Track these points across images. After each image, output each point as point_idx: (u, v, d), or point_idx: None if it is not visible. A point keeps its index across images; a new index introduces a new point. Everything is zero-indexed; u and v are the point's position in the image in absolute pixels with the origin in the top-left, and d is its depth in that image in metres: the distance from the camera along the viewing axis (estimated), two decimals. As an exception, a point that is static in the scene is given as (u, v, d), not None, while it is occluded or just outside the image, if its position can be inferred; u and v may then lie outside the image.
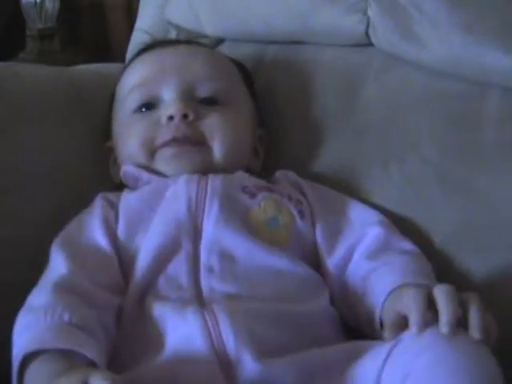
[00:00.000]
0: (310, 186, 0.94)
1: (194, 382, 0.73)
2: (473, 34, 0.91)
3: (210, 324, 0.75)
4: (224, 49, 1.13)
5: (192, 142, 0.91)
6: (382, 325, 0.78)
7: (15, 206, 0.92)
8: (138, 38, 1.20)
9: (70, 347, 0.71)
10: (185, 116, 0.92)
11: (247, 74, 1.04)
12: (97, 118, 1.03)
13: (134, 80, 0.97)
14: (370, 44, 1.01)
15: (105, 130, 1.01)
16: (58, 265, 0.82)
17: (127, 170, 0.95)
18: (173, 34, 1.18)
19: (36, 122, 0.98)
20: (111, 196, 0.91)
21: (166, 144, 0.91)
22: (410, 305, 0.72)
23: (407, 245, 0.86)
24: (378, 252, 0.85)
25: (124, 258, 0.84)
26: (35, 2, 1.81)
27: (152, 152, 0.92)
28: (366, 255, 0.85)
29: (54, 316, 0.74)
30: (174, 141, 0.91)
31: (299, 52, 1.08)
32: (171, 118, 0.92)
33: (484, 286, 0.85)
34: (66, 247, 0.84)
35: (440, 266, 0.86)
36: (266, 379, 0.72)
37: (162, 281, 0.82)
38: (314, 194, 0.92)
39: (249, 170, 0.95)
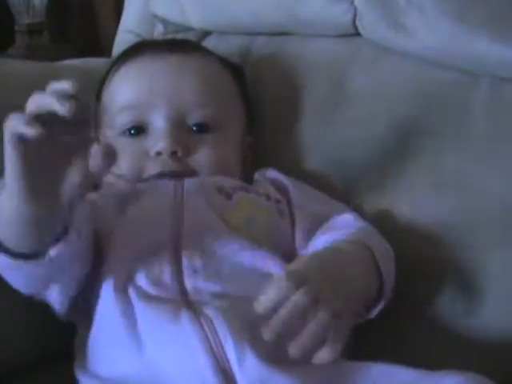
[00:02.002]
0: (290, 182, 0.93)
1: None
2: (461, 22, 0.89)
3: (207, 330, 0.73)
4: (211, 41, 1.11)
5: (179, 176, 0.90)
6: None
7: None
8: (123, 39, 1.18)
9: None
10: (174, 153, 0.90)
11: (239, 75, 1.02)
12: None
13: (123, 100, 0.95)
14: (358, 34, 1.00)
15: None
16: None
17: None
18: (159, 29, 1.17)
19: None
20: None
21: (152, 177, 0.90)
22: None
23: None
24: (333, 228, 0.84)
25: (106, 245, 0.83)
26: (23, -3, 1.80)
27: (138, 180, 0.91)
28: (321, 231, 0.85)
29: None
30: (162, 176, 0.90)
31: (286, 43, 1.06)
32: (159, 153, 0.91)
33: (473, 281, 0.84)
34: None
35: (429, 259, 0.85)
36: (270, 381, 0.71)
37: (141, 277, 0.80)
38: (295, 192, 0.91)
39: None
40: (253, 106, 1.02)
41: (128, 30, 1.17)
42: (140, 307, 0.77)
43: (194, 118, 0.93)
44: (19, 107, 0.94)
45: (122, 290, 0.79)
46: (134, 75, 0.96)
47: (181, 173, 0.90)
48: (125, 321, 0.77)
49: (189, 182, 0.87)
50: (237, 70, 1.02)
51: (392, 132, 0.94)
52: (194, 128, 0.93)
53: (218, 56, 1.02)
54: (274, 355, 0.72)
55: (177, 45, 1.02)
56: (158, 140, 0.91)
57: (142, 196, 0.87)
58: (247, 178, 0.95)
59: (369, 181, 0.94)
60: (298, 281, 0.69)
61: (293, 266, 0.74)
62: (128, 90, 0.96)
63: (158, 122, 0.92)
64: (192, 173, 0.91)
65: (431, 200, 0.89)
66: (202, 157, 0.92)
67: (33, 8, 1.84)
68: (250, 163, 0.99)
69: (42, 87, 0.99)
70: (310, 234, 0.87)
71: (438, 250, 0.87)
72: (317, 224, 0.87)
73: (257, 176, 0.95)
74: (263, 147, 1.00)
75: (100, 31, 1.95)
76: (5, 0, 1.82)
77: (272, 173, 0.94)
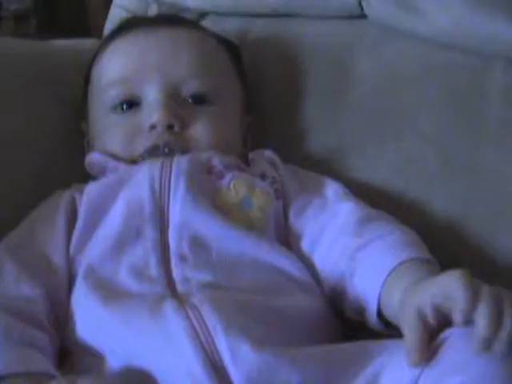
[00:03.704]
0: (285, 166, 0.88)
1: None
2: (476, 1, 0.85)
3: (193, 319, 0.67)
4: (207, 23, 1.06)
5: (176, 151, 0.84)
6: (379, 314, 0.71)
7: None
8: (115, 15, 1.12)
9: (38, 370, 0.67)
10: (169, 126, 0.85)
11: (236, 53, 0.97)
12: (69, 92, 0.96)
13: (114, 74, 0.89)
14: (363, 15, 0.95)
15: (78, 110, 0.95)
16: (7, 280, 0.75)
17: (92, 158, 0.88)
18: (153, 9, 1.11)
19: (4, 96, 0.92)
20: (74, 190, 0.84)
21: (147, 153, 0.84)
22: (453, 294, 0.60)
23: (384, 215, 0.80)
24: (359, 227, 0.77)
25: (78, 258, 0.77)
26: (9, -18, 1.75)
27: (132, 160, 0.85)
28: (347, 231, 0.77)
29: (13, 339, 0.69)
30: (156, 150, 0.84)
31: (287, 26, 1.01)
32: (153, 126, 0.85)
33: (491, 268, 0.80)
34: (17, 256, 0.77)
35: (443, 249, 0.79)
36: (268, 373, 0.64)
37: (123, 272, 0.74)
38: (286, 173, 0.86)
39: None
40: (251, 89, 0.97)
41: (121, 5, 1.11)
42: (117, 307, 0.71)
43: (190, 89, 0.88)
44: (6, 81, 0.93)
45: (96, 289, 0.73)
46: (124, 50, 0.91)
47: (178, 147, 0.84)
48: (100, 324, 0.71)
49: (178, 160, 0.81)
50: (232, 47, 0.97)
51: (400, 117, 0.90)
52: (190, 100, 0.88)
53: (212, 32, 0.97)
54: (269, 344, 0.66)
55: (169, 19, 0.97)
56: (152, 113, 0.85)
57: (124, 181, 0.81)
58: (247, 161, 0.89)
59: (375, 168, 0.89)
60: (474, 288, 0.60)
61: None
62: (118, 65, 0.90)
63: (152, 95, 0.87)
64: (189, 149, 0.85)
65: (444, 188, 0.85)
66: (200, 130, 0.86)
67: (20, -6, 1.79)
68: (251, 145, 0.93)
69: (27, 66, 0.97)
70: (303, 215, 0.81)
71: (454, 237, 0.83)
72: (310, 205, 0.82)
73: (252, 155, 0.89)
74: (263, 131, 0.95)
75: (89, 20, 1.91)
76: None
77: (270, 154, 0.89)
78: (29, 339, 0.70)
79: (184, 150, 0.84)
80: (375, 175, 0.88)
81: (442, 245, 0.79)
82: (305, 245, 0.80)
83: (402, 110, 0.90)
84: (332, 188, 0.84)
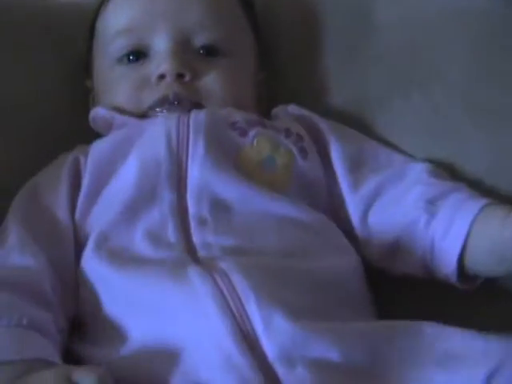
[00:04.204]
0: (320, 118, 0.83)
1: (205, 364, 0.60)
2: None
3: (222, 287, 0.62)
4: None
5: (186, 103, 0.79)
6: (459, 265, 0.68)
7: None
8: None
9: (34, 356, 0.62)
10: (180, 76, 0.80)
11: (249, 5, 0.91)
12: (73, 50, 0.91)
13: (120, 23, 0.84)
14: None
15: (83, 66, 0.90)
16: (11, 251, 0.71)
17: (98, 113, 0.83)
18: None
19: (6, 54, 0.87)
20: (79, 152, 0.79)
21: (155, 105, 0.79)
22: None
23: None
24: (434, 179, 0.74)
25: (86, 223, 0.73)
26: None
27: (140, 114, 0.80)
28: (421, 183, 0.74)
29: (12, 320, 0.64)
30: (165, 101, 0.79)
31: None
32: (162, 76, 0.80)
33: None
34: (22, 221, 0.73)
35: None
36: (305, 346, 0.59)
37: (138, 238, 0.69)
38: (327, 124, 0.81)
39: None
40: (267, 42, 0.92)
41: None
42: (135, 275, 0.66)
43: (201, 39, 0.83)
44: (8, 37, 0.88)
45: (110, 258, 0.68)
46: None
47: (189, 99, 0.80)
48: (119, 294, 0.66)
49: (196, 115, 0.77)
50: None
51: (425, 66, 0.85)
52: (202, 51, 0.83)
53: None
54: (305, 313, 0.61)
55: None
56: (161, 62, 0.80)
57: (134, 137, 0.76)
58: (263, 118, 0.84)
59: (403, 120, 0.84)
60: None
61: None
62: (124, 14, 0.85)
63: (161, 44, 0.82)
64: (200, 101, 0.80)
65: (473, 137, 0.80)
66: (212, 82, 0.81)
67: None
68: (265, 102, 0.88)
69: (33, 19, 0.92)
70: (355, 167, 0.77)
71: (487, 188, 0.77)
72: (360, 157, 0.78)
73: (276, 111, 0.84)
74: (280, 86, 0.91)
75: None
76: None
77: (295, 108, 0.84)
78: (29, 321, 0.64)
79: (194, 102, 0.80)
80: (402, 128, 0.84)
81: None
82: (358, 201, 0.76)
83: (425, 59, 0.85)
84: (379, 148, 0.81)
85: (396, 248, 0.73)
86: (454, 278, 0.70)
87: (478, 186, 0.76)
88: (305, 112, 0.83)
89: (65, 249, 0.72)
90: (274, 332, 0.59)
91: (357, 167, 0.77)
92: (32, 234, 0.72)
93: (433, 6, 0.86)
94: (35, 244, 0.71)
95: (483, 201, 0.69)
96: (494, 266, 0.68)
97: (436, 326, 0.62)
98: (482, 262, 0.69)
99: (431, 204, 0.71)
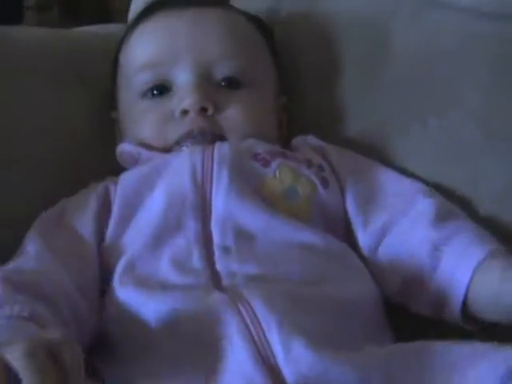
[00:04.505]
0: (335, 149, 0.84)
1: None
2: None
3: (245, 315, 0.63)
4: (234, 2, 1.02)
5: (209, 137, 0.81)
6: (463, 310, 0.69)
7: (10, 178, 0.83)
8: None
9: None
10: (203, 109, 0.81)
11: (267, 31, 0.93)
12: (98, 81, 0.93)
13: (143, 57, 0.86)
14: (398, -12, 0.91)
15: (108, 97, 0.92)
16: (28, 259, 0.72)
17: (124, 148, 0.85)
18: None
19: (29, 87, 0.89)
20: (109, 181, 0.81)
21: (180, 140, 0.81)
22: None
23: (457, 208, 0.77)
24: (440, 219, 0.75)
25: (115, 249, 0.75)
26: (31, -28, 1.73)
27: (166, 148, 0.82)
28: (427, 223, 0.74)
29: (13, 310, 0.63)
30: (189, 135, 0.81)
31: (319, 2, 0.97)
32: (186, 111, 0.82)
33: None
34: (42, 235, 0.75)
35: (489, 232, 0.76)
36: (323, 374, 0.60)
37: (164, 265, 0.71)
38: (339, 159, 0.82)
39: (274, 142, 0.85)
40: (285, 68, 0.93)
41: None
42: (162, 299, 0.68)
43: (223, 71, 0.84)
44: (35, 71, 0.91)
45: (137, 285, 0.70)
46: (153, 32, 0.88)
47: (212, 133, 0.81)
48: (146, 317, 0.68)
49: (220, 148, 0.78)
50: (263, 25, 0.93)
51: (442, 92, 0.85)
52: (223, 83, 0.84)
53: (239, 9, 0.93)
54: (325, 341, 0.62)
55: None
56: (184, 97, 0.82)
57: (161, 169, 0.78)
58: (284, 145, 0.86)
59: (419, 147, 0.85)
60: None
61: None
62: (146, 48, 0.87)
63: (183, 78, 0.83)
64: (223, 133, 0.82)
65: (490, 163, 0.80)
66: (235, 114, 0.83)
67: (41, -17, 1.77)
68: (286, 128, 0.90)
69: (53, 54, 0.95)
70: (365, 205, 0.78)
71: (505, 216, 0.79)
72: (371, 193, 0.79)
73: (296, 141, 0.86)
74: (298, 111, 0.92)
75: (111, 6, 1.89)
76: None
77: (313, 139, 0.86)
78: (30, 313, 0.63)
79: (218, 135, 0.81)
80: (419, 154, 0.85)
81: (487, 227, 0.76)
82: (367, 239, 0.77)
83: (442, 84, 0.85)
84: (390, 177, 0.81)
85: (405, 288, 0.74)
86: (459, 322, 0.71)
87: (492, 212, 0.77)
88: (321, 143, 0.85)
89: (86, 265, 0.73)
90: (294, 360, 0.61)
91: (366, 204, 0.78)
92: (50, 247, 0.73)
93: (451, 31, 0.87)
94: (51, 252, 0.72)
95: (486, 249, 0.70)
96: (496, 315, 0.69)
97: (444, 344, 0.63)
98: (485, 310, 0.70)
99: (436, 249, 0.72)
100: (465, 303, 0.70)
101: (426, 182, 0.82)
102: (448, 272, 0.71)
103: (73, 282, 0.71)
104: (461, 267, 0.70)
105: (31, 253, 0.73)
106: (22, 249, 0.74)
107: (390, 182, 0.81)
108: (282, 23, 0.98)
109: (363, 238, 0.77)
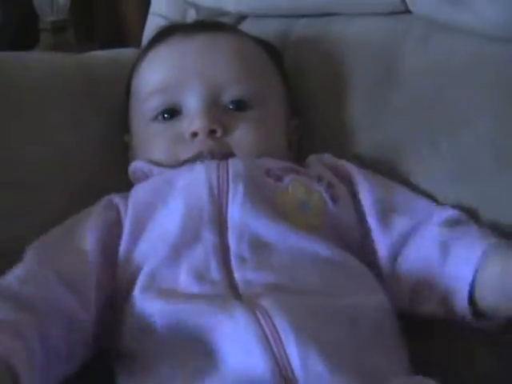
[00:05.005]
0: (354, 166, 0.85)
1: None
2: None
3: (264, 325, 0.65)
4: (246, 26, 1.04)
5: (219, 156, 0.83)
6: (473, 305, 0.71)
7: (26, 201, 0.85)
8: (153, 23, 1.12)
9: None
10: (212, 132, 0.83)
11: (276, 54, 0.95)
12: (111, 105, 0.95)
13: (153, 82, 0.89)
14: (407, 11, 0.92)
15: (121, 121, 0.94)
16: (23, 269, 0.73)
17: (136, 165, 0.87)
18: (191, 14, 1.10)
19: (46, 112, 0.91)
20: (119, 196, 0.82)
21: (191, 160, 0.83)
22: None
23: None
24: (454, 223, 0.77)
25: (130, 262, 0.76)
26: (46, -6, 1.75)
27: (176, 167, 0.84)
28: (440, 224, 0.77)
29: None
30: (200, 156, 0.83)
31: (328, 25, 0.99)
32: (195, 134, 0.84)
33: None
34: (42, 249, 0.76)
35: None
36: None
37: (183, 276, 0.73)
38: (359, 172, 0.84)
39: None
40: (295, 90, 0.95)
41: (159, 14, 1.11)
42: (185, 308, 0.70)
43: (230, 95, 0.86)
44: (49, 96, 0.93)
45: (158, 296, 0.72)
46: (162, 58, 0.90)
47: (221, 152, 0.83)
48: (169, 327, 0.69)
49: (234, 163, 0.80)
50: (271, 48, 0.95)
51: (453, 115, 0.86)
52: (231, 106, 0.86)
53: (249, 34, 0.95)
54: (341, 354, 0.64)
55: (205, 24, 0.96)
56: (193, 120, 0.84)
57: (173, 181, 0.80)
58: (296, 163, 0.87)
59: (430, 169, 0.85)
60: None
61: None
62: (157, 73, 0.89)
63: (192, 102, 0.86)
64: (233, 153, 0.84)
65: (500, 190, 0.81)
66: (243, 136, 0.84)
67: (57, 5, 1.79)
68: (297, 150, 0.92)
69: (67, 81, 0.96)
70: (385, 213, 0.80)
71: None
72: (391, 204, 0.81)
73: (310, 160, 0.87)
74: (309, 133, 0.93)
75: (126, 28, 1.90)
76: (29, -1, 1.77)
77: (330, 157, 0.87)
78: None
79: (227, 154, 0.83)
80: (428, 175, 0.85)
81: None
82: (388, 245, 0.79)
83: (453, 106, 0.86)
84: (409, 195, 0.83)
85: (416, 293, 0.76)
86: (470, 319, 0.73)
87: (504, 233, 0.77)
88: (338, 161, 0.86)
89: (86, 290, 0.74)
90: (310, 374, 0.63)
91: (387, 212, 0.80)
92: (49, 259, 0.74)
93: (460, 53, 0.88)
94: (48, 265, 0.73)
95: (490, 241, 0.72)
96: (503, 309, 0.70)
97: None
98: (492, 305, 0.71)
99: (444, 247, 0.75)
100: (472, 298, 0.71)
101: (436, 203, 0.82)
102: (454, 266, 0.73)
103: (69, 294, 0.71)
104: (466, 261, 0.72)
105: (27, 264, 0.74)
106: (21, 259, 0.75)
107: (408, 197, 0.83)
108: (294, 46, 1.00)
109: (383, 249, 0.79)
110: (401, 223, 0.79)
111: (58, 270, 0.73)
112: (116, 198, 0.81)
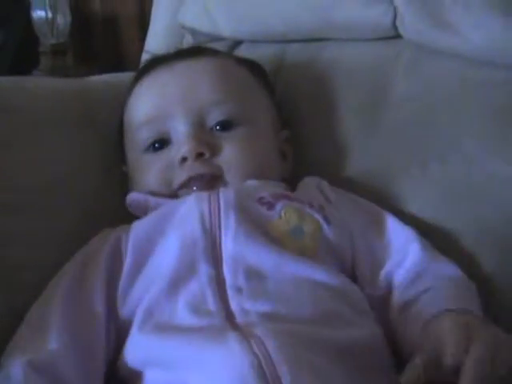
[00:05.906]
0: (333, 191, 0.87)
1: None
2: (509, 16, 0.83)
3: (259, 355, 0.66)
4: (242, 51, 1.07)
5: (209, 178, 0.85)
6: None
7: (24, 226, 0.85)
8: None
9: None
10: (199, 155, 0.86)
11: (259, 72, 0.97)
12: (110, 129, 0.96)
13: (140, 115, 0.91)
14: (398, 36, 0.94)
15: (118, 151, 0.96)
16: (48, 329, 0.75)
17: (132, 197, 0.89)
18: (188, 40, 1.13)
19: (44, 137, 0.92)
20: (121, 230, 0.83)
21: (183, 186, 0.86)
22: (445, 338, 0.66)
23: (447, 267, 0.79)
24: (416, 278, 0.78)
25: (128, 298, 0.77)
26: (46, 18, 1.78)
27: (172, 194, 0.87)
28: (405, 285, 0.78)
29: None
30: (191, 180, 0.85)
31: (321, 50, 1.01)
32: (184, 159, 0.86)
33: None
34: (65, 304, 0.77)
35: (489, 273, 0.79)
36: None
37: (179, 309, 0.74)
38: (336, 199, 0.86)
39: (278, 177, 0.89)
40: (287, 113, 0.97)
41: (153, 50, 1.13)
42: (179, 340, 0.71)
43: (214, 117, 0.88)
44: (48, 121, 0.94)
45: (155, 331, 0.73)
46: (147, 90, 0.93)
47: (211, 175, 0.85)
48: (164, 361, 0.71)
49: (225, 193, 0.81)
50: (254, 65, 0.96)
51: (442, 138, 0.88)
52: (218, 127, 0.88)
53: (230, 54, 0.97)
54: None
55: (184, 52, 0.98)
56: (181, 146, 0.86)
57: (170, 216, 0.81)
58: (290, 175, 0.90)
59: (420, 190, 0.87)
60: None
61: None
62: (143, 106, 0.92)
63: (179, 129, 0.88)
64: (223, 174, 0.85)
65: (493, 208, 0.82)
66: (232, 154, 0.86)
67: (57, 29, 1.81)
68: (291, 159, 0.94)
69: (65, 105, 0.98)
70: (371, 264, 0.81)
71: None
72: (374, 250, 0.82)
73: (308, 180, 0.89)
74: (304, 160, 0.95)
75: (124, 51, 1.93)
76: (29, 21, 1.79)
77: (316, 180, 0.89)
78: None
79: (217, 176, 0.85)
80: (419, 197, 0.87)
81: (489, 267, 0.78)
82: (376, 297, 0.79)
83: (443, 129, 0.88)
84: (390, 225, 0.84)
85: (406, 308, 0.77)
86: None
87: (490, 258, 0.79)
88: (324, 186, 0.88)
89: (96, 332, 0.76)
90: None
91: (372, 264, 0.81)
92: (68, 322, 0.76)
93: (449, 77, 0.90)
94: (69, 330, 0.75)
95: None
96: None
97: None
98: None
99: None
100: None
101: (426, 225, 0.84)
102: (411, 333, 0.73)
103: (80, 361, 0.74)
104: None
105: (52, 328, 0.74)
106: (43, 311, 0.77)
107: (389, 231, 0.83)
108: (287, 68, 1.02)
109: (372, 297, 0.79)
110: (382, 269, 0.80)
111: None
112: (122, 235, 0.82)
